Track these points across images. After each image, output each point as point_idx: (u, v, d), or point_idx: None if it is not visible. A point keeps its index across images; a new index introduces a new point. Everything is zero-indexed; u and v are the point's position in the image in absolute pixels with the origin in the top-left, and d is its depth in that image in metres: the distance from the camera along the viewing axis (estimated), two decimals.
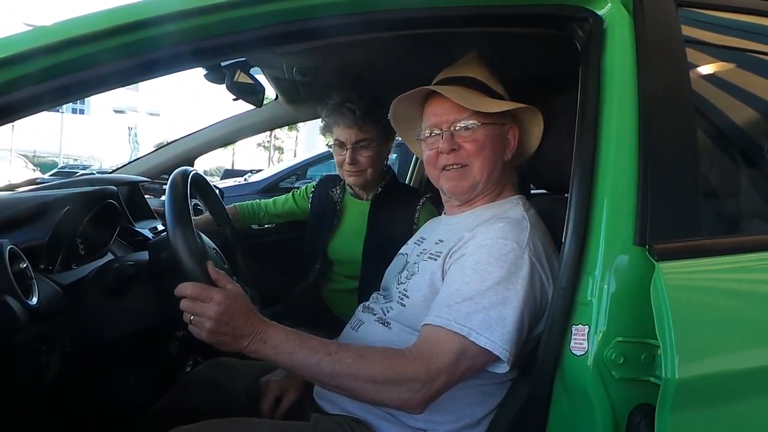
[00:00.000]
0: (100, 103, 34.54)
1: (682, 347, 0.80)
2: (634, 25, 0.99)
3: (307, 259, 2.05)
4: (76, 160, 28.79)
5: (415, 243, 1.32)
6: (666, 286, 0.83)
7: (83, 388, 1.14)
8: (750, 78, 1.34)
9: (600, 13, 1.01)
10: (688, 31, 1.04)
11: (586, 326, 0.90)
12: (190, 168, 1.29)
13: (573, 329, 0.92)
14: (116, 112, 33.24)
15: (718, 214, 1.19)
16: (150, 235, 1.66)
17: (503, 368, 0.99)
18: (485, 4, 1.00)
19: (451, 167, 1.18)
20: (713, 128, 1.25)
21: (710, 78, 1.23)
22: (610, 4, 1.00)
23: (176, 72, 0.97)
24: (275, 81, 2.00)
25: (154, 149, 2.44)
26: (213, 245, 1.42)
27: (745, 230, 1.21)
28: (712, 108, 1.28)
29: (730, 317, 0.89)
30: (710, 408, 0.84)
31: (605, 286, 0.89)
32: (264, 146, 30.37)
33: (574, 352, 0.91)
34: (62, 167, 20.65)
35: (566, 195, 1.03)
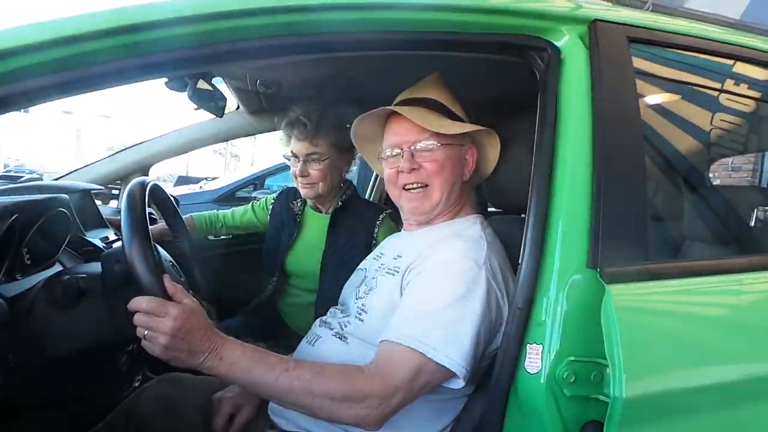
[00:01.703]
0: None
1: (630, 367, 0.84)
2: (589, 57, 1.04)
3: (265, 271, 2.03)
4: (17, 160, 27.45)
5: (374, 258, 1.33)
6: (615, 308, 0.87)
7: (27, 406, 1.09)
8: (694, 109, 1.43)
9: (558, 44, 1.06)
10: (638, 64, 1.10)
11: (540, 345, 0.93)
12: (147, 178, 1.26)
13: (528, 348, 0.95)
14: (65, 113, 31.95)
15: (665, 240, 1.25)
16: (101, 245, 1.60)
17: (458, 384, 1.01)
18: (448, 31, 1.02)
19: (411, 187, 1.20)
20: (661, 156, 1.32)
21: (658, 108, 1.31)
22: (567, 36, 1.05)
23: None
24: (238, 92, 1.98)
25: (111, 154, 2.35)
26: (169, 258, 1.38)
27: (689, 255, 1.27)
28: (660, 136, 1.35)
29: (675, 338, 0.93)
30: (656, 425, 0.88)
31: (559, 307, 0.92)
32: (220, 153, 29.82)
33: (528, 370, 0.94)
34: (7, 171, 19.55)
35: (522, 215, 1.07)
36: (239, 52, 0.93)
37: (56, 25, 0.81)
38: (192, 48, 0.90)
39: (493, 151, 1.28)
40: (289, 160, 1.88)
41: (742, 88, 1.30)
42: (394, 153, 1.22)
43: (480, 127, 1.22)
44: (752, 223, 1.57)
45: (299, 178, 1.83)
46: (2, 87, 0.79)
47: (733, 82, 1.28)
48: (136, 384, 1.56)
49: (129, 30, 0.84)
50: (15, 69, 0.79)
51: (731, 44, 1.19)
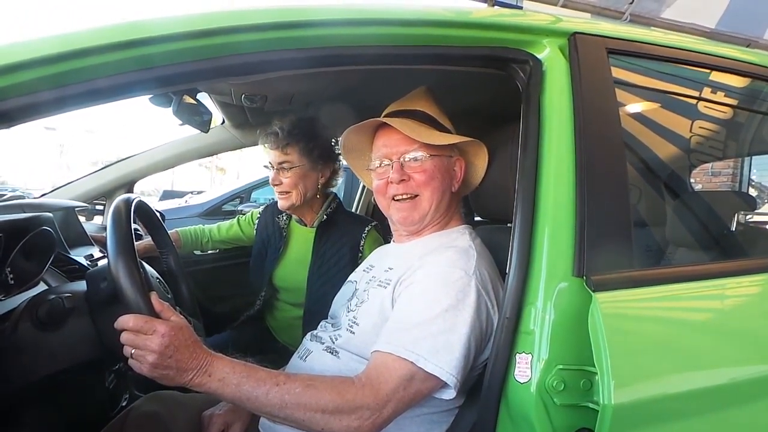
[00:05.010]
0: None
1: (618, 374, 0.85)
2: (570, 68, 1.06)
3: (253, 286, 2.02)
4: None
5: (364, 270, 1.34)
6: (602, 315, 0.88)
7: (12, 428, 1.07)
8: (673, 117, 1.45)
9: (539, 56, 1.08)
10: (618, 74, 1.12)
11: (530, 355, 0.93)
12: (133, 195, 1.25)
13: (517, 357, 0.95)
14: (47, 129, 31.56)
15: (650, 246, 1.27)
16: (86, 263, 1.58)
17: (450, 394, 1.01)
18: (433, 45, 1.04)
19: (401, 197, 1.21)
20: (643, 163, 1.35)
21: (638, 117, 1.33)
22: (548, 48, 1.07)
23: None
24: (223, 106, 1.98)
25: (95, 171, 2.32)
26: (156, 274, 1.37)
27: (673, 261, 1.29)
28: (641, 145, 1.38)
29: (661, 344, 0.95)
30: (645, 431, 0.88)
31: (546, 316, 0.93)
32: (206, 167, 29.67)
33: (518, 379, 0.94)
34: None
35: (508, 225, 1.08)
36: (242, 67, 0.93)
37: (60, 40, 0.81)
38: (199, 61, 0.90)
39: (480, 162, 1.30)
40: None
41: (719, 96, 1.34)
42: (383, 164, 1.23)
43: (468, 139, 1.24)
44: (733, 228, 1.60)
45: (274, 188, 1.84)
46: (6, 101, 0.80)
47: (709, 90, 1.31)
48: (123, 403, 1.54)
49: (135, 44, 0.84)
50: (19, 83, 0.79)
51: (706, 54, 1.22)
